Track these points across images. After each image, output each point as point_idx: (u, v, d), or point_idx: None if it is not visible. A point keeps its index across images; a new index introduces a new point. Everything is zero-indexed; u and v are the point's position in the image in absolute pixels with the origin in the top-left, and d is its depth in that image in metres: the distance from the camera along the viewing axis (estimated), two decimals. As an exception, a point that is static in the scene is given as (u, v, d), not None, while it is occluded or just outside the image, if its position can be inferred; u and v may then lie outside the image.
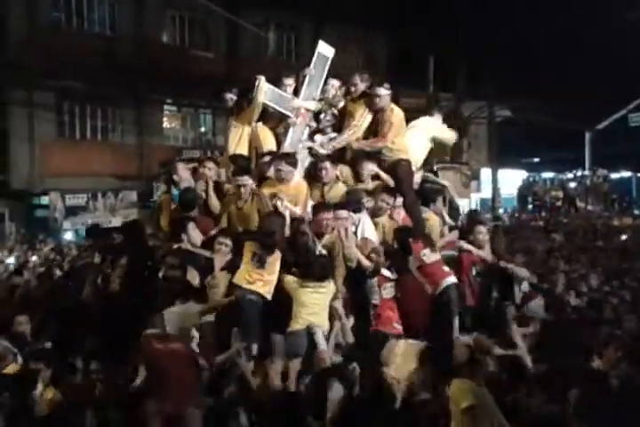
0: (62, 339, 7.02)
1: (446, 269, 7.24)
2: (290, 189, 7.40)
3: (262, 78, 8.01)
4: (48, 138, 21.88)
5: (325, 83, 8.50)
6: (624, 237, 17.42)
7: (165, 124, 25.10)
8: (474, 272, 7.76)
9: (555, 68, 25.40)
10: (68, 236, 22.03)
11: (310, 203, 7.53)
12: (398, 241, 7.33)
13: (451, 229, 8.32)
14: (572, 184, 31.56)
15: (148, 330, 5.91)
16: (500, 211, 24.43)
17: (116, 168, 22.47)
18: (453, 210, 9.19)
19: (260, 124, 8.26)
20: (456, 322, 6.92)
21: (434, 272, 7.15)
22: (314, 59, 8.53)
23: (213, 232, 7.17)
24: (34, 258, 15.91)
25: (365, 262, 6.90)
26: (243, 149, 8.15)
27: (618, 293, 9.96)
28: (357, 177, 8.00)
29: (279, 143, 8.27)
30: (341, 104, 8.41)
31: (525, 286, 7.65)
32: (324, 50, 8.69)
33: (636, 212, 26.74)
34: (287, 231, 7.03)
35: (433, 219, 8.14)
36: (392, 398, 5.69)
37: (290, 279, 6.57)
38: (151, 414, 5.26)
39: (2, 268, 14.78)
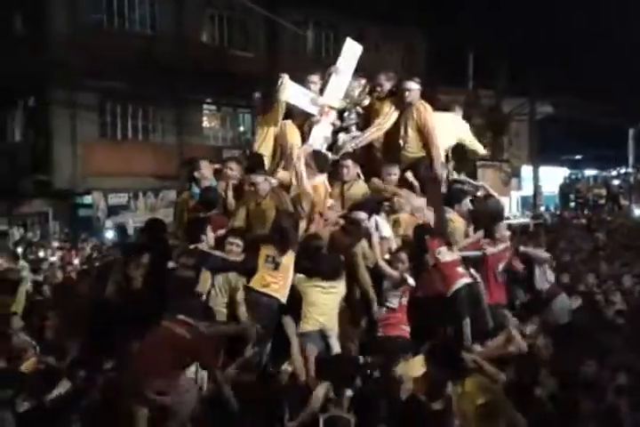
0: (84, 337, 7.10)
1: (461, 270, 7.14)
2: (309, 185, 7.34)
3: (286, 77, 7.98)
4: (90, 138, 22.18)
5: (352, 81, 8.46)
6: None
7: (205, 124, 25.27)
8: (500, 268, 7.73)
9: (597, 64, 24.98)
10: (110, 234, 22.32)
11: (330, 202, 7.49)
12: (415, 238, 7.27)
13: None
14: (616, 182, 30.95)
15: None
16: (542, 209, 24.07)
17: (157, 168, 22.66)
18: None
19: (288, 121, 8.22)
20: (466, 324, 6.83)
21: (448, 272, 7.07)
22: (340, 56, 8.50)
23: (222, 231, 7.16)
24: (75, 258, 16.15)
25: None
26: (267, 148, 8.11)
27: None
28: (378, 174, 7.95)
29: (305, 141, 8.25)
30: (367, 102, 8.36)
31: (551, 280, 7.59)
32: (352, 47, 8.63)
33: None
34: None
35: (457, 220, 8.03)
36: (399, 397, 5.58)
37: (300, 278, 6.55)
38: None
39: (46, 266, 15.04)
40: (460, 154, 8.94)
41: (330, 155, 8.06)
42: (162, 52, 22.19)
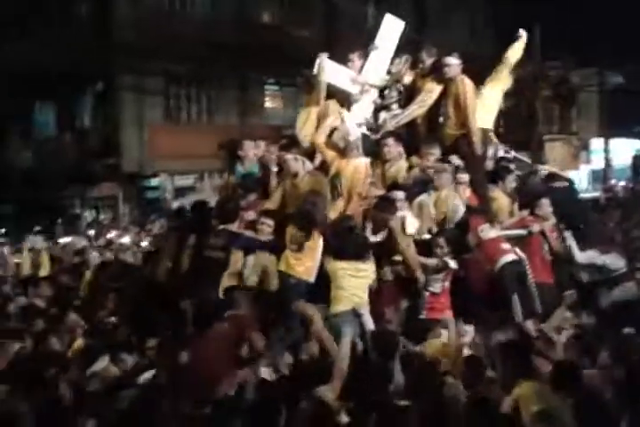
0: (133, 318, 7.29)
1: (506, 246, 7.05)
2: (349, 166, 7.31)
3: (324, 56, 7.97)
4: (156, 121, 22.59)
5: (394, 57, 8.37)
6: None
7: (267, 104, 25.38)
8: (546, 248, 7.59)
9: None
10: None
11: (369, 180, 7.46)
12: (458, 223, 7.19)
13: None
14: (692, 153, 29.63)
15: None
16: (613, 182, 23.32)
17: (221, 149, 22.89)
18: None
19: (332, 101, 8.18)
20: (515, 301, 6.73)
21: (491, 249, 6.98)
22: (380, 33, 8.40)
23: (252, 213, 7.21)
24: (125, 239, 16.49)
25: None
26: (310, 128, 8.10)
27: None
28: (418, 153, 7.86)
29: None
30: (409, 80, 8.25)
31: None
32: (392, 24, 8.54)
33: None
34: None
35: (501, 198, 7.89)
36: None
37: (329, 260, 6.47)
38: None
39: (116, 247, 15.44)
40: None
41: (371, 134, 8.02)
42: (223, 33, 22.34)
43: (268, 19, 25.04)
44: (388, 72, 8.29)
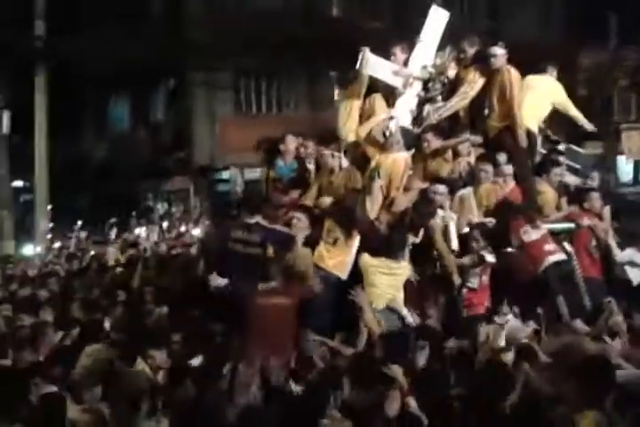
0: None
1: (550, 247, 6.91)
2: (388, 160, 7.24)
3: (366, 49, 7.91)
4: (227, 115, 22.91)
5: (439, 49, 8.26)
6: None
7: (337, 97, 25.27)
8: (594, 243, 7.41)
9: None
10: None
11: (409, 173, 7.38)
12: (498, 216, 7.06)
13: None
14: None
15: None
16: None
17: (292, 142, 23.02)
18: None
19: (377, 95, 8.12)
20: (561, 302, 6.59)
21: (535, 252, 6.86)
22: (426, 24, 8.29)
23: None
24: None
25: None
26: (353, 122, 8.07)
27: None
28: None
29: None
30: (453, 71, 8.12)
31: None
32: (437, 15, 8.41)
33: None
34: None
35: (548, 191, 7.70)
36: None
37: (363, 257, 6.46)
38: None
39: (188, 238, 15.72)
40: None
41: (413, 128, 7.93)
42: (293, 27, 22.43)
43: (337, 11, 24.99)
44: (433, 64, 8.16)
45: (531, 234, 6.91)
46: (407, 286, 6.66)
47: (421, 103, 8.15)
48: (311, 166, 7.87)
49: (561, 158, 8.28)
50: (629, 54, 23.42)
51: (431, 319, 6.65)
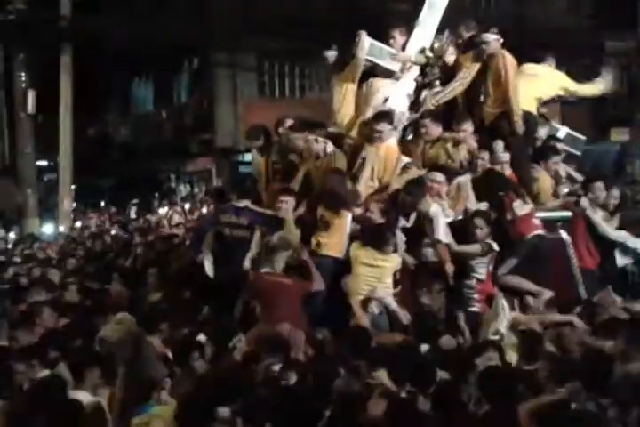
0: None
1: (537, 222, 6.87)
2: (379, 150, 7.19)
3: (363, 33, 7.79)
4: (250, 97, 22.90)
5: (437, 34, 8.11)
6: None
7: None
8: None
9: None
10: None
11: (406, 159, 7.29)
12: (489, 197, 7.01)
13: None
14: None
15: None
16: None
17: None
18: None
19: (376, 79, 8.02)
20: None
21: (522, 224, 6.81)
22: (424, 8, 8.14)
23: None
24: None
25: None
26: (349, 108, 7.99)
27: None
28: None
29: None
30: (452, 57, 7.98)
31: None
32: (436, -2, 8.24)
33: None
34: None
35: (544, 179, 7.62)
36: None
37: (353, 246, 6.43)
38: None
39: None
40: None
41: (411, 113, 7.84)
42: (317, 9, 22.27)
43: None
44: (431, 49, 8.02)
45: (519, 209, 6.87)
46: (402, 272, 6.59)
47: (419, 88, 8.03)
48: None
49: (559, 145, 8.12)
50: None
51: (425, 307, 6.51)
